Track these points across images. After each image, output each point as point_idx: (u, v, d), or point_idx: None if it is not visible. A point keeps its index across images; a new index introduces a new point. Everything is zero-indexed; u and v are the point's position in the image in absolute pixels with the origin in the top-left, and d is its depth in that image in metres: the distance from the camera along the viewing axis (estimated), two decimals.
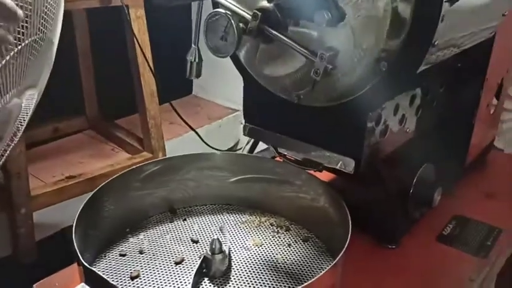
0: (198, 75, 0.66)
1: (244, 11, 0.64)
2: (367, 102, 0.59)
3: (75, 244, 0.56)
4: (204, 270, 0.62)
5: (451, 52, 0.66)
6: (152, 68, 1.23)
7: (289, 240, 0.70)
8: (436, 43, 0.54)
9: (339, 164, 0.64)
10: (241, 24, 0.63)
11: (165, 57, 1.75)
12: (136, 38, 1.26)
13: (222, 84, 1.96)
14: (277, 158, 0.76)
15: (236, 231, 0.72)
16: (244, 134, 0.76)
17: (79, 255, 0.54)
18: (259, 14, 0.62)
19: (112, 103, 1.83)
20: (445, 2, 0.55)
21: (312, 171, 0.75)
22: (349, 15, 0.56)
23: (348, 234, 0.57)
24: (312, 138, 0.67)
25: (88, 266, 0.53)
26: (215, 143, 1.54)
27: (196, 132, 1.30)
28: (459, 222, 0.80)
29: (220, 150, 1.37)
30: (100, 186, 0.67)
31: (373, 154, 0.65)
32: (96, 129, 1.78)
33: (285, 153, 0.76)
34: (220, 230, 0.72)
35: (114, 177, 0.69)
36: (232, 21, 0.61)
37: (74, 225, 0.59)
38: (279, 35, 0.62)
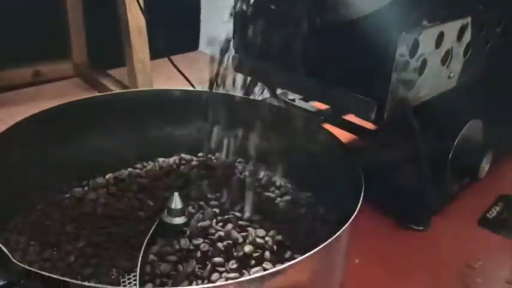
0: None
1: None
2: (399, 18, 0.45)
3: None
4: None
5: None
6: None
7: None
8: None
9: (355, 109, 0.50)
10: None
11: (170, 7, 1.58)
12: None
13: None
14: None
15: None
16: (233, 69, 0.62)
17: None
18: None
19: (104, 50, 1.69)
20: None
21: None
22: None
23: (358, 202, 0.43)
24: (320, 72, 0.52)
25: None
26: None
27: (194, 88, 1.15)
28: (508, 204, 0.65)
29: None
30: None
31: (403, 98, 0.50)
32: (83, 77, 1.65)
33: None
34: None
35: None
36: None
37: None
38: None
